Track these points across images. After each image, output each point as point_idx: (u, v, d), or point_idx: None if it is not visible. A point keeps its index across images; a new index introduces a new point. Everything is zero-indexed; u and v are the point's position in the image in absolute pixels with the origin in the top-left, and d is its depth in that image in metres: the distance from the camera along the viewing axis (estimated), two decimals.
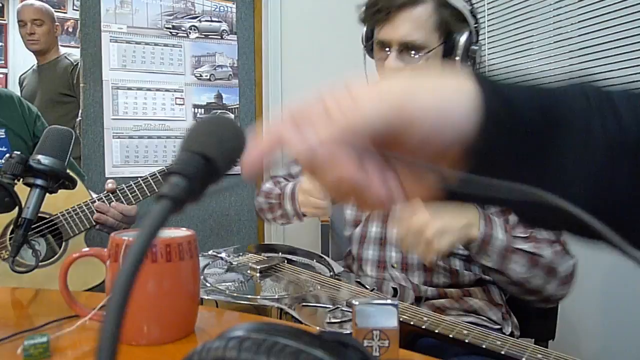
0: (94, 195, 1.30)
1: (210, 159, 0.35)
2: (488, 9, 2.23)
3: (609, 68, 1.76)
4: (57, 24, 2.69)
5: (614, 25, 1.74)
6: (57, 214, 1.26)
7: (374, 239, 1.08)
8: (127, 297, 0.26)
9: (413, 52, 0.97)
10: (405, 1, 0.96)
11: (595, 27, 1.80)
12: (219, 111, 2.53)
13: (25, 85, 2.74)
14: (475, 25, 1.00)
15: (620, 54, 1.72)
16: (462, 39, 0.96)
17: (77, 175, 1.33)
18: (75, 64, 2.56)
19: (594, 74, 1.90)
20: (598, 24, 1.79)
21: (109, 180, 1.30)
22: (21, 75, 2.88)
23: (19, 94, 2.69)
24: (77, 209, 1.27)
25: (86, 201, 1.27)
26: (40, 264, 1.24)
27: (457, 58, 0.98)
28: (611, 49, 1.75)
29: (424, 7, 0.96)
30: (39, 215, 1.23)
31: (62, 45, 2.88)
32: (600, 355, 1.79)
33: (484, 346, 0.69)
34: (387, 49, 0.99)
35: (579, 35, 1.86)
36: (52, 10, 2.69)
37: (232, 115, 2.56)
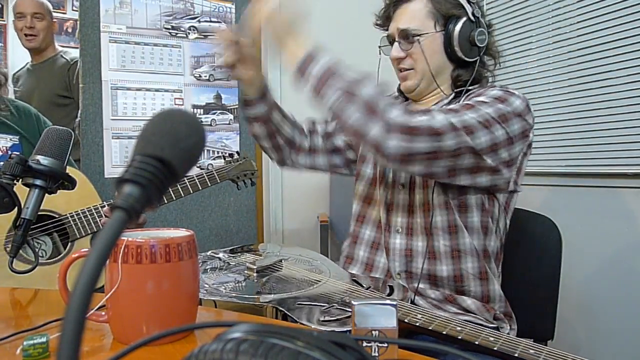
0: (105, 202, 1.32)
1: (166, 162, 0.33)
2: (487, 10, 2.23)
3: (609, 68, 1.76)
4: (54, 20, 2.59)
5: (613, 25, 1.74)
6: (66, 215, 1.28)
7: (382, 202, 1.11)
8: (84, 312, 0.26)
9: (409, 37, 1.06)
10: None
11: (595, 28, 1.80)
12: (214, 110, 2.53)
13: (21, 85, 2.58)
14: (474, 12, 1.05)
15: (620, 54, 1.72)
16: (457, 26, 1.03)
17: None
18: (72, 62, 2.45)
19: (593, 74, 1.92)
20: (597, 24, 1.79)
21: None
22: (15, 74, 2.70)
23: (12, 92, 2.65)
24: (87, 212, 1.28)
25: (96, 205, 1.30)
26: (44, 261, 1.25)
27: (456, 46, 1.04)
28: (611, 49, 1.75)
29: (418, 0, 1.07)
30: (48, 213, 1.25)
31: (61, 46, 2.85)
32: (599, 355, 1.79)
33: (477, 342, 0.69)
34: (393, 43, 1.11)
35: (578, 36, 1.86)
36: (51, 6, 2.60)
37: (231, 115, 2.57)
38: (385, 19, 1.14)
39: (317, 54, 0.90)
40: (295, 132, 1.26)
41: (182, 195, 1.35)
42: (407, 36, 1.06)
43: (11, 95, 2.56)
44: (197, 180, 1.38)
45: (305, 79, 0.90)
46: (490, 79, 1.12)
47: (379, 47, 1.16)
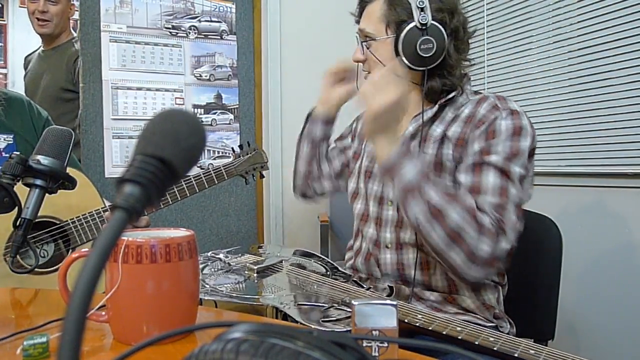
0: (107, 204, 1.27)
1: (166, 162, 0.34)
2: (487, 10, 2.23)
3: (609, 68, 1.76)
4: (72, 3, 2.37)
5: (613, 25, 1.74)
6: (67, 221, 1.22)
7: (373, 218, 1.10)
8: (85, 312, 0.26)
9: (366, 42, 1.06)
10: None
11: (595, 28, 1.80)
12: (215, 109, 2.53)
13: (29, 70, 2.44)
14: (420, 19, 0.98)
15: (620, 54, 1.72)
16: (402, 33, 0.99)
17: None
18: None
19: (593, 74, 1.91)
20: (597, 24, 1.79)
21: None
22: (27, 56, 2.55)
23: (23, 75, 2.49)
24: (89, 217, 1.23)
25: (98, 209, 1.24)
26: (46, 269, 1.21)
27: (401, 54, 0.99)
28: (611, 49, 1.75)
29: (377, 2, 1.04)
30: (49, 220, 1.20)
31: None
32: (599, 355, 1.79)
33: (477, 342, 0.69)
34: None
35: (579, 36, 1.86)
36: None
37: (231, 115, 2.57)
38: (356, 17, 1.12)
39: (406, 160, 0.88)
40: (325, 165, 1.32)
41: (188, 194, 1.29)
42: (366, 38, 1.05)
43: (20, 80, 2.48)
44: (203, 179, 1.30)
45: (392, 180, 0.90)
46: (466, 86, 1.06)
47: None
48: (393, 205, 1.06)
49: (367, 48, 1.05)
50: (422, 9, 0.97)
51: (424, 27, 0.97)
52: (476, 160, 0.94)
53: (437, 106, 1.04)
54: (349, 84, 1.21)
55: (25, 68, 2.54)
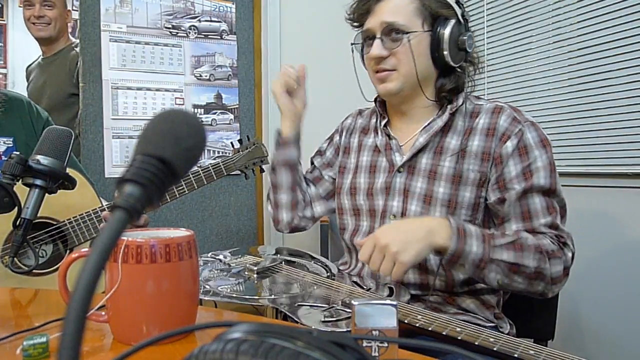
0: (105, 203, 1.26)
1: (166, 162, 0.34)
2: (487, 10, 2.23)
3: (608, 68, 1.76)
4: (68, 9, 2.38)
5: (613, 25, 1.74)
6: (64, 221, 1.22)
7: (364, 233, 1.08)
8: (85, 312, 0.26)
9: (395, 34, 0.96)
10: None
11: (595, 28, 1.80)
12: (214, 109, 2.53)
13: (32, 81, 2.44)
14: (463, 14, 0.97)
15: (620, 54, 1.72)
16: (447, 28, 0.95)
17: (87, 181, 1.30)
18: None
19: (593, 74, 1.91)
20: (597, 25, 1.79)
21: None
22: (28, 67, 2.55)
23: (26, 85, 2.49)
24: (86, 217, 1.22)
25: (95, 209, 1.23)
26: (45, 270, 1.20)
27: (445, 50, 0.95)
28: (610, 49, 1.75)
29: None
30: (46, 221, 1.20)
31: None
32: (599, 354, 1.79)
33: (476, 343, 0.69)
34: (372, 40, 1.00)
35: (578, 36, 1.86)
36: None
37: (231, 115, 2.57)
38: (362, 13, 1.02)
39: (465, 244, 0.86)
40: (306, 187, 1.25)
41: (187, 191, 1.27)
42: (391, 32, 0.96)
43: (24, 89, 2.46)
44: (202, 175, 1.29)
45: (461, 265, 0.89)
46: (470, 87, 1.05)
47: (352, 44, 1.05)
48: (396, 220, 1.03)
49: (404, 41, 0.95)
50: (460, 4, 0.96)
51: (464, 22, 0.97)
52: (524, 188, 0.94)
53: (447, 114, 1.01)
54: (300, 94, 1.15)
55: (28, 79, 2.53)
